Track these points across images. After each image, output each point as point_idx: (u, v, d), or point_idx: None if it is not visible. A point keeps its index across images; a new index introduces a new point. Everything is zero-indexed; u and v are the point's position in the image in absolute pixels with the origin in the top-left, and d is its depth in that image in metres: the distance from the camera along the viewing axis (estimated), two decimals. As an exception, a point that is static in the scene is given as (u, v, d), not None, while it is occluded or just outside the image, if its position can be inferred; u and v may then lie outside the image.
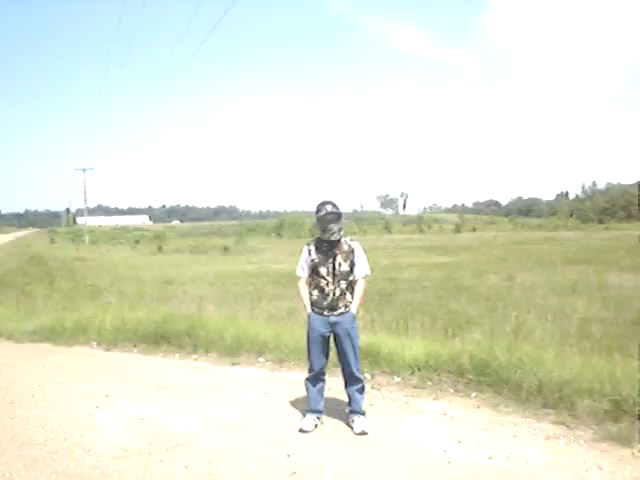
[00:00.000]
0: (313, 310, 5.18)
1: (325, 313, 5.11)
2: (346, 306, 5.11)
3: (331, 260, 5.07)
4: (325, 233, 5.08)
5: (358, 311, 5.27)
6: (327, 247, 5.11)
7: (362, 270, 5.16)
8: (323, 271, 5.08)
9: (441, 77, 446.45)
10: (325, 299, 5.09)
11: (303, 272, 5.25)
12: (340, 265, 5.06)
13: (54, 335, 9.46)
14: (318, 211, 5.09)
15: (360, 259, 5.15)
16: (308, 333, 5.22)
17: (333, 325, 5.10)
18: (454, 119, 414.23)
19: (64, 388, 6.63)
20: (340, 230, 5.10)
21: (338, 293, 5.07)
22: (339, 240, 5.11)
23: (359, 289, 5.16)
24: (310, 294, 5.22)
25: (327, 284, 5.07)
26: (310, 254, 5.16)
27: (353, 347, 5.12)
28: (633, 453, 4.48)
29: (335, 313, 5.09)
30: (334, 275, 5.06)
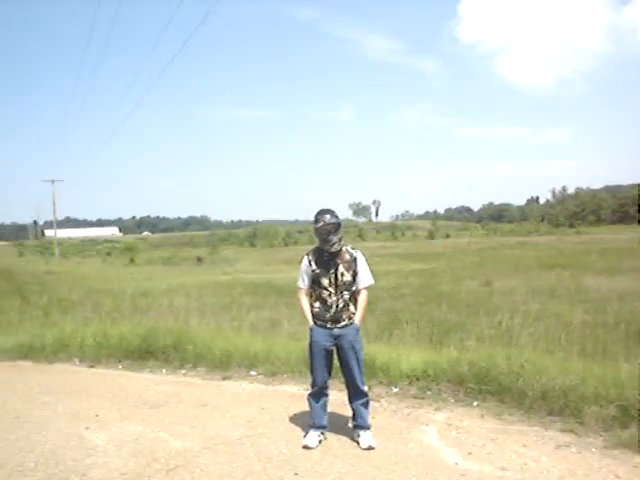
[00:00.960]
0: (315, 323, 5.00)
1: (328, 326, 4.93)
2: (350, 318, 4.94)
3: (333, 270, 4.90)
4: (325, 244, 4.89)
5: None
6: (328, 257, 4.93)
7: (365, 280, 5.00)
8: (325, 282, 4.91)
9: (410, 84, 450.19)
10: (328, 311, 4.92)
11: (303, 283, 5.05)
12: (342, 275, 4.89)
13: (33, 352, 9.14)
14: (316, 221, 4.89)
15: (363, 268, 4.99)
16: (310, 346, 5.04)
17: (337, 338, 4.93)
18: (424, 125, 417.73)
19: (50, 408, 6.35)
20: (340, 240, 4.93)
21: (341, 305, 4.90)
22: (340, 249, 4.95)
23: (362, 300, 5.00)
24: (312, 306, 5.03)
25: (329, 295, 4.90)
26: (310, 264, 4.98)
27: (357, 360, 4.96)
28: (646, 460, 4.41)
29: (339, 325, 4.92)
30: (336, 286, 4.89)
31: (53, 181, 76.04)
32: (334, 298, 4.89)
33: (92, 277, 32.23)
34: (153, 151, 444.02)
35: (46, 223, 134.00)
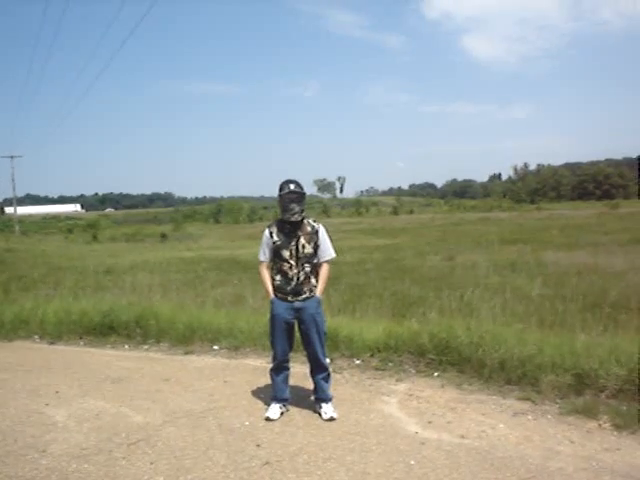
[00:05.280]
0: (276, 296, 4.98)
1: (289, 299, 4.92)
2: (311, 290, 4.93)
3: (294, 242, 4.87)
4: (286, 213, 4.85)
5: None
6: (289, 229, 4.90)
7: (327, 253, 4.99)
8: (286, 254, 4.88)
9: (375, 60, 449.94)
10: (289, 284, 4.90)
11: (264, 256, 5.03)
12: (304, 247, 4.87)
13: (-9, 330, 8.96)
14: (281, 189, 4.87)
15: (324, 241, 4.98)
16: (271, 320, 5.03)
17: (298, 311, 4.92)
18: (388, 101, 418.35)
19: (8, 385, 6.25)
20: (302, 211, 4.90)
21: (302, 277, 4.89)
22: (302, 221, 4.92)
23: (324, 272, 4.99)
24: (273, 279, 5.01)
25: (290, 268, 4.88)
26: (272, 236, 4.95)
27: (319, 334, 4.97)
28: (600, 425, 4.55)
29: (299, 298, 4.91)
30: (297, 258, 4.87)
31: (12, 157, 74.16)
32: (295, 270, 4.88)
33: (54, 254, 31.60)
34: (116, 127, 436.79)
35: (5, 200, 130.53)
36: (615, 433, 4.42)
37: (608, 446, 4.20)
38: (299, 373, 5.75)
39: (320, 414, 4.94)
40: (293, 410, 5.13)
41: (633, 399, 4.83)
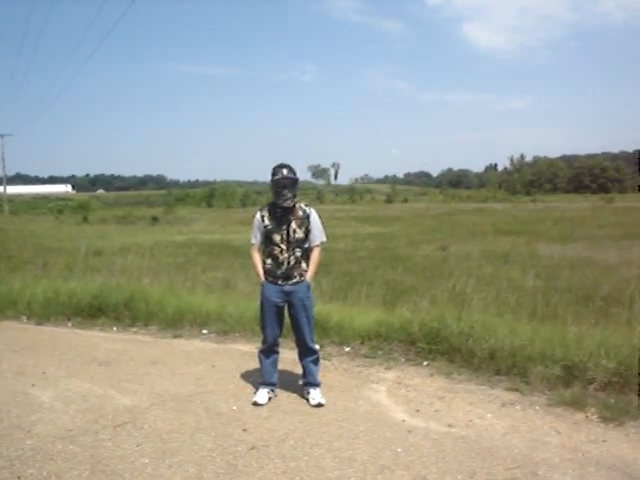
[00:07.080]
0: (267, 279, 4.96)
1: (279, 282, 4.90)
2: (301, 275, 4.91)
3: (285, 227, 4.84)
4: (278, 198, 4.82)
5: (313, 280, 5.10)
6: (281, 213, 4.87)
7: (318, 237, 4.97)
8: (277, 238, 4.85)
9: (374, 45, 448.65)
10: (279, 268, 4.88)
11: (256, 239, 5.00)
12: (295, 232, 4.84)
13: (-22, 310, 8.87)
14: (273, 174, 4.83)
15: (316, 226, 4.95)
16: (261, 303, 5.01)
17: (287, 295, 4.91)
18: (386, 88, 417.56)
19: (-6, 365, 6.21)
20: (294, 197, 4.86)
21: (293, 261, 4.86)
22: (293, 206, 4.88)
23: (314, 257, 4.97)
24: (264, 262, 4.99)
25: (281, 252, 4.85)
26: (263, 220, 4.91)
27: (307, 318, 4.95)
28: (587, 416, 4.54)
29: (290, 282, 4.89)
30: (288, 242, 4.84)
31: (2, 135, 73.62)
32: (285, 255, 4.85)
33: (43, 235, 31.45)
34: (108, 107, 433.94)
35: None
36: (602, 425, 4.41)
37: (594, 438, 4.19)
38: (288, 359, 5.73)
39: (308, 400, 4.93)
40: (281, 395, 5.11)
41: (621, 392, 4.85)
